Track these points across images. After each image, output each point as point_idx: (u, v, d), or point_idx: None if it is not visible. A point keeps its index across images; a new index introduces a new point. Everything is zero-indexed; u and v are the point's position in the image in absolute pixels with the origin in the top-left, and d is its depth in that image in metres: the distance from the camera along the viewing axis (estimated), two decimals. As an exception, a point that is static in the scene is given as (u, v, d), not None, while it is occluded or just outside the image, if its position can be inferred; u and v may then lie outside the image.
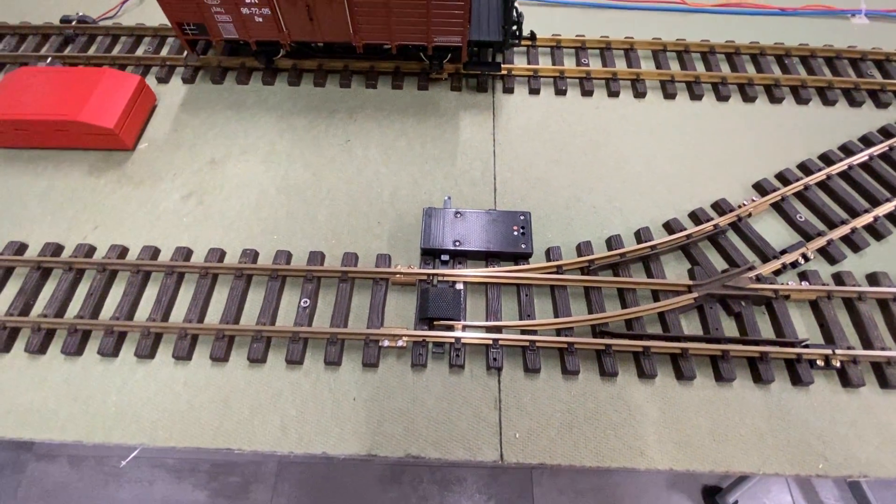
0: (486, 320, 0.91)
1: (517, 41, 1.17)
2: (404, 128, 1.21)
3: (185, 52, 1.29)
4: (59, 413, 0.84)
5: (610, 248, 1.00)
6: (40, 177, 1.13)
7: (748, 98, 1.26)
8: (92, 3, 1.47)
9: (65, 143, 1.14)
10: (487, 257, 0.98)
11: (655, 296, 0.94)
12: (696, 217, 1.04)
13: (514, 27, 1.13)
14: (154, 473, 2.44)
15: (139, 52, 1.35)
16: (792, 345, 0.86)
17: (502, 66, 1.24)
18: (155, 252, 1.00)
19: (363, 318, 0.94)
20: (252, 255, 0.99)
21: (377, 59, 1.25)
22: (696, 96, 1.26)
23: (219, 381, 0.87)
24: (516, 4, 1.10)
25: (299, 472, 2.31)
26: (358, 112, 1.24)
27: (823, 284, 0.94)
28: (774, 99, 1.26)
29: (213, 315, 0.94)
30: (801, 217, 1.04)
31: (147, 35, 1.37)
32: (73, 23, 1.38)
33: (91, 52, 1.35)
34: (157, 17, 1.43)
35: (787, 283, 0.94)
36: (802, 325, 0.93)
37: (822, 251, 1.00)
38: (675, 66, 1.32)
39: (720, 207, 1.06)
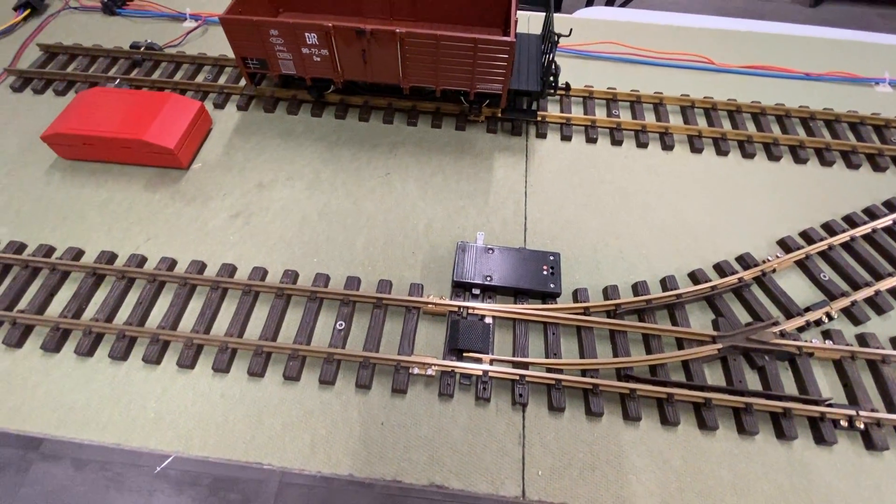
0: (514, 356, 0.94)
1: (553, 92, 1.24)
2: (441, 165, 1.28)
3: (244, 83, 1.39)
4: (101, 415, 0.88)
5: (636, 293, 1.03)
6: (101, 188, 1.21)
7: (773, 157, 1.31)
8: (160, 32, 1.60)
9: (126, 159, 1.23)
10: (516, 294, 1.02)
11: (679, 344, 0.96)
12: (720, 269, 1.07)
13: (552, 79, 1.21)
14: (154, 483, 2.44)
15: (199, 78, 1.45)
16: (815, 403, 0.87)
17: (537, 113, 1.31)
18: (202, 267, 1.06)
19: (394, 344, 0.97)
20: (293, 275, 1.04)
21: (419, 99, 1.34)
22: (722, 152, 1.31)
23: (254, 396, 0.90)
24: (554, 59, 1.17)
25: (299, 494, 2.29)
26: (398, 147, 1.31)
27: (847, 345, 0.96)
28: (799, 159, 1.30)
29: (252, 331, 0.98)
30: (824, 276, 1.06)
31: (207, 64, 1.48)
32: (142, 49, 1.50)
33: (155, 76, 1.46)
34: (216, 48, 1.56)
35: (811, 341, 0.95)
36: (826, 383, 0.94)
37: (846, 311, 1.02)
38: (702, 122, 1.38)
39: (744, 261, 1.09)
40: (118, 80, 1.40)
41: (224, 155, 1.28)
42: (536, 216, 1.17)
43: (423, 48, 1.10)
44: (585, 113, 1.37)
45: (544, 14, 1.35)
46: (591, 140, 1.32)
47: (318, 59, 1.16)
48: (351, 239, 1.13)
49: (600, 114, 1.38)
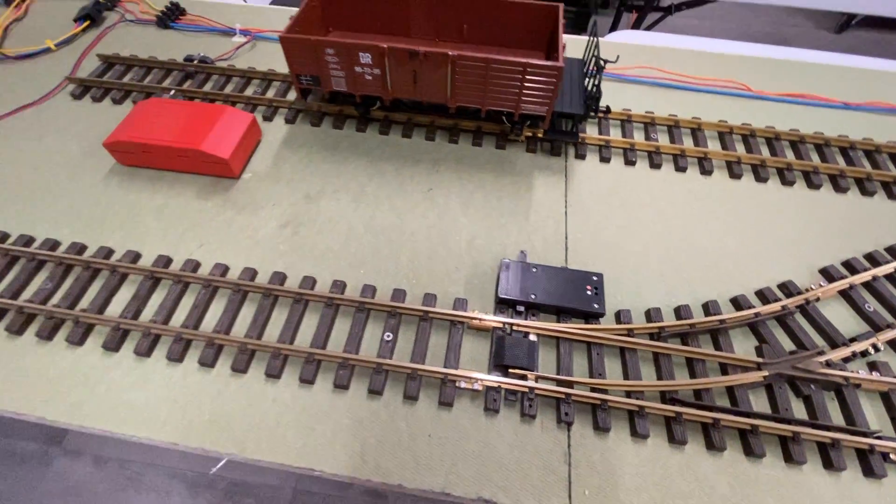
0: (558, 374, 0.96)
1: (595, 115, 1.27)
2: (482, 182, 1.30)
3: (293, 97, 1.45)
4: (159, 414, 0.91)
5: (678, 317, 1.04)
6: (157, 194, 1.26)
7: (813, 185, 1.31)
8: (210, 46, 1.67)
9: (181, 167, 1.28)
10: (559, 312, 1.03)
11: (723, 369, 0.97)
12: (762, 296, 1.08)
13: (595, 102, 1.24)
14: (171, 484, 2.46)
15: (248, 91, 1.51)
16: (864, 434, 0.87)
17: (579, 135, 1.33)
18: (253, 274, 1.09)
19: (439, 357, 0.99)
20: (341, 286, 1.07)
21: (461, 118, 1.37)
22: (761, 178, 1.32)
23: (305, 402, 0.93)
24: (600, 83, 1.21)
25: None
26: (440, 164, 1.34)
27: (894, 377, 0.95)
28: (839, 188, 1.31)
29: (302, 339, 1.01)
30: (869, 307, 1.06)
31: (256, 77, 1.54)
32: (195, 61, 1.57)
33: (207, 88, 1.52)
34: (264, 63, 1.62)
35: (857, 372, 0.95)
36: (873, 415, 0.94)
37: (893, 343, 1.01)
38: (740, 148, 1.39)
39: (787, 288, 1.09)
40: (173, 91, 1.46)
41: (273, 166, 1.33)
42: (577, 236, 1.19)
43: (473, 71, 1.14)
44: (624, 136, 1.40)
45: (586, 38, 1.38)
46: (629, 163, 1.35)
47: (370, 77, 1.21)
48: (396, 252, 1.16)
49: (638, 137, 1.40)
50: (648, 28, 3.88)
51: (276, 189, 1.28)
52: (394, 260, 1.15)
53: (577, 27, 3.65)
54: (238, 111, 1.31)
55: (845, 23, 4.89)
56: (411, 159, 1.36)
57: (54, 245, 1.14)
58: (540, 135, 1.35)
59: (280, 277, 1.09)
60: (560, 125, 1.35)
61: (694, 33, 4.07)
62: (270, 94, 1.50)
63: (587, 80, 1.32)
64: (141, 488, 2.46)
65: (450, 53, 1.11)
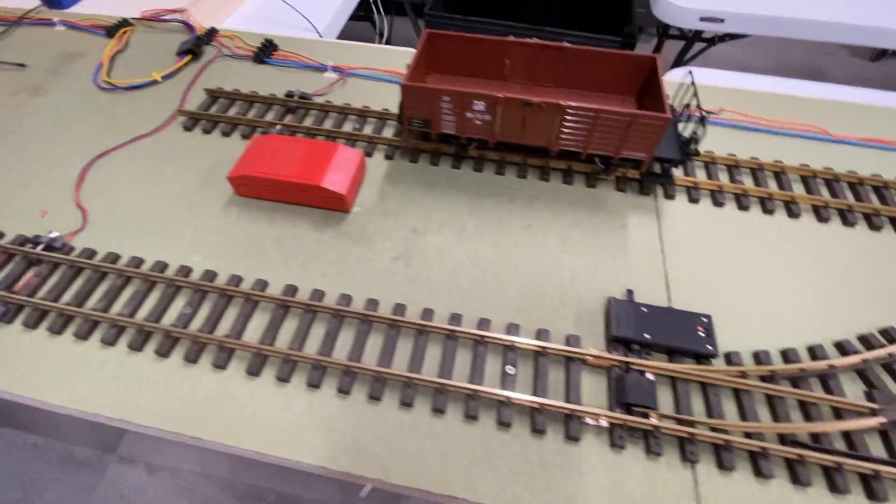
0: (677, 413, 1.00)
1: (691, 159, 1.33)
2: (577, 220, 1.37)
3: (395, 134, 1.54)
4: (305, 437, 0.98)
5: (787, 360, 1.08)
6: (274, 225, 1.34)
7: (900, 230, 1.36)
8: (303, 81, 1.77)
9: (296, 200, 1.36)
10: (671, 352, 1.09)
11: (836, 412, 1.01)
12: (867, 341, 1.12)
13: (692, 148, 1.30)
14: (222, 495, 2.53)
15: (347, 127, 1.61)
16: None
17: (673, 178, 1.39)
18: (374, 304, 1.17)
19: (557, 392, 1.05)
20: (459, 319, 1.14)
21: (551, 157, 1.45)
22: (848, 223, 1.37)
23: (439, 431, 0.99)
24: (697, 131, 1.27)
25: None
26: (535, 201, 1.41)
27: None
28: (927, 234, 1.35)
29: (427, 369, 1.07)
30: (973, 355, 1.09)
31: (353, 114, 1.64)
32: (296, 97, 1.67)
33: (308, 123, 1.62)
34: (356, 99, 1.71)
35: (971, 420, 0.98)
36: None
37: None
38: (825, 193, 1.44)
39: (889, 335, 1.13)
40: (279, 126, 1.56)
41: (378, 200, 1.41)
42: (676, 276, 1.25)
43: (583, 119, 1.21)
44: (709, 177, 1.46)
45: (680, 83, 1.45)
46: (717, 204, 1.40)
47: (480, 122, 1.29)
48: (503, 286, 1.22)
49: (723, 179, 1.46)
50: (693, 58, 3.94)
51: (383, 223, 1.36)
52: (502, 294, 1.21)
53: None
54: (349, 148, 1.40)
55: (881, 52, 4.92)
56: (507, 196, 1.43)
57: (188, 272, 1.23)
58: (634, 176, 1.41)
59: (401, 309, 1.16)
60: (652, 167, 1.41)
61: (731, 61, 4.11)
62: (367, 130, 1.60)
63: (681, 125, 1.38)
64: (193, 498, 2.52)
65: (562, 104, 1.18)
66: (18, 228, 1.32)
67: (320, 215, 1.37)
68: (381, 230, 1.34)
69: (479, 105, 1.24)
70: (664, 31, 4.66)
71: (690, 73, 1.34)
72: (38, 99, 1.71)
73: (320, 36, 2.34)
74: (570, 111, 1.19)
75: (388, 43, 3.20)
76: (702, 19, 2.79)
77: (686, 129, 1.35)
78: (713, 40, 3.63)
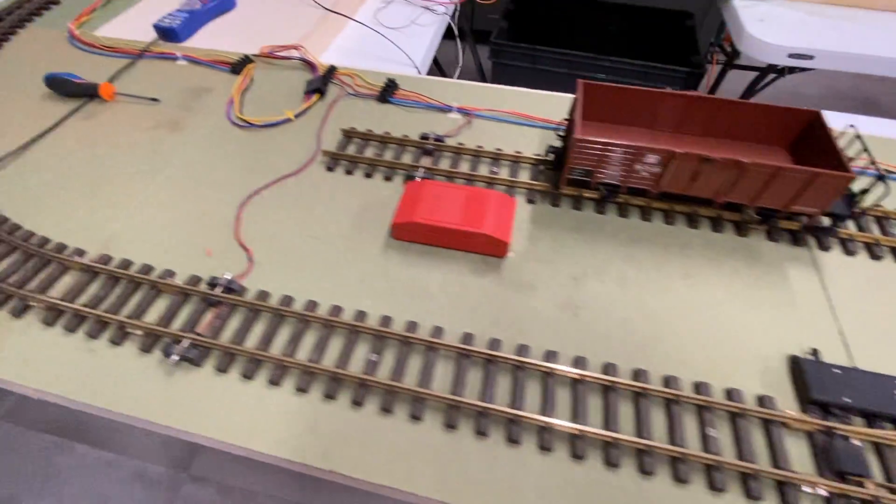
0: (888, 482, 0.99)
1: (858, 215, 1.33)
2: (735, 270, 1.37)
3: (524, 176, 1.56)
4: (415, 469, 0.99)
5: None
6: (434, 270, 1.36)
7: None
8: (429, 122, 1.81)
9: (455, 245, 1.39)
10: (869, 416, 1.07)
11: None
12: None
13: (857, 202, 1.30)
14: (292, 522, 2.51)
15: (482, 170, 1.63)
16: None
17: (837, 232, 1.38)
18: (554, 356, 1.17)
19: (760, 456, 1.04)
20: (645, 375, 1.14)
21: (699, 205, 1.45)
22: None
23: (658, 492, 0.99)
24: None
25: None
26: (688, 249, 1.42)
27: None
28: None
29: (623, 430, 1.07)
30: None
31: (487, 157, 1.67)
32: (431, 139, 1.71)
33: (443, 166, 1.65)
34: (486, 141, 1.72)
35: None
36: None
37: None
38: (983, 247, 1.42)
39: None
40: (421, 170, 1.59)
41: (529, 245, 1.43)
42: (851, 333, 1.23)
43: (760, 175, 1.22)
44: (860, 229, 1.45)
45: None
46: (875, 257, 1.39)
47: (646, 174, 1.31)
48: (677, 340, 1.22)
49: (875, 231, 1.45)
50: (761, 89, 3.93)
51: (540, 269, 1.37)
52: (678, 348, 1.21)
53: (687, 86, 3.74)
54: (502, 194, 1.42)
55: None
56: (657, 243, 1.44)
57: (360, 315, 1.25)
58: (787, 226, 1.41)
59: (582, 362, 1.16)
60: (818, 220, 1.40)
61: (783, 88, 4.07)
62: (503, 174, 1.62)
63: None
64: (266, 521, 2.52)
65: (744, 161, 1.20)
66: (186, 267, 1.36)
67: (477, 260, 1.39)
68: (540, 277, 1.35)
69: (652, 159, 1.26)
70: (728, 62, 4.67)
71: (853, 126, 1.35)
72: (177, 134, 1.77)
73: (419, 72, 2.40)
74: (751, 168, 1.20)
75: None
76: (790, 55, 2.80)
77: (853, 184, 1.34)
78: (783, 71, 3.65)
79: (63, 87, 1.88)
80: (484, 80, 3.92)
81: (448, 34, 2.92)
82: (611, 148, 1.26)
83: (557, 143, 1.57)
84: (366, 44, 2.40)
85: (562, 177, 1.40)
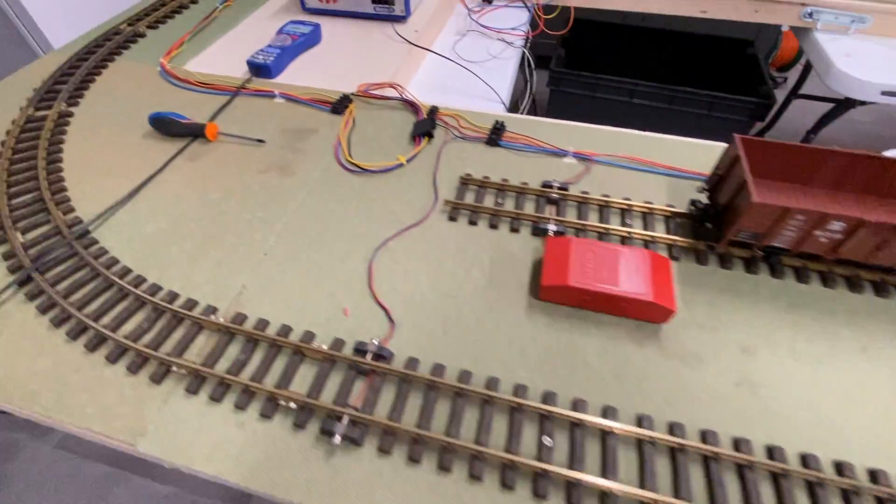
0: None
1: None
2: (915, 343, 1.27)
3: (718, 243, 1.44)
4: None
5: None
6: (589, 336, 1.28)
7: None
8: (543, 168, 1.74)
9: (610, 310, 1.30)
10: None
11: None
12: None
13: None
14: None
15: (612, 222, 1.55)
16: None
17: None
18: (748, 444, 1.07)
19: None
20: (850, 469, 1.03)
21: (861, 267, 1.35)
22: None
23: None
24: None
25: None
26: (855, 316, 1.30)
27: None
28: None
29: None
30: None
31: (617, 208, 1.59)
32: (555, 187, 1.64)
33: (570, 217, 1.57)
34: (610, 190, 1.64)
35: None
36: None
37: None
38: None
39: None
40: (553, 224, 1.51)
41: (684, 309, 1.33)
42: None
43: (964, 246, 1.13)
44: None
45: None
46: None
47: (825, 240, 1.22)
48: (873, 427, 1.12)
49: None
50: (830, 121, 3.85)
51: (702, 337, 1.28)
52: (875, 437, 1.11)
53: (755, 117, 3.66)
54: (655, 254, 1.33)
55: None
56: (822, 310, 1.33)
57: (521, 390, 1.16)
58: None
59: (780, 453, 1.06)
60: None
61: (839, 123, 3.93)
62: (636, 226, 1.54)
63: None
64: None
65: (951, 232, 1.10)
66: (325, 327, 1.29)
67: (632, 326, 1.30)
68: (704, 346, 1.26)
69: (836, 226, 1.17)
70: (793, 91, 4.58)
71: None
72: (289, 178, 1.72)
73: (506, 108, 2.35)
74: (954, 239, 1.11)
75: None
76: (883, 93, 2.71)
77: None
78: (854, 103, 3.55)
79: (168, 127, 1.85)
80: (534, 105, 3.88)
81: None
82: (791, 213, 1.17)
83: (699, 195, 1.49)
84: (446, 78, 2.36)
85: (723, 238, 1.31)
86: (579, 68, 3.56)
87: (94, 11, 3.80)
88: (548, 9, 3.04)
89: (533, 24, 2.95)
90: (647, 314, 1.26)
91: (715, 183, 1.42)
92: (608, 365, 1.22)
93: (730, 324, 1.30)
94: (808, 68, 4.15)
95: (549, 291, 1.30)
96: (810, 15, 2.91)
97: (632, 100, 3.58)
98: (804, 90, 4.27)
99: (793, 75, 4.71)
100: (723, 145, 1.77)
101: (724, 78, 3.88)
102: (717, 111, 3.46)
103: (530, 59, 2.70)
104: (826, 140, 4.73)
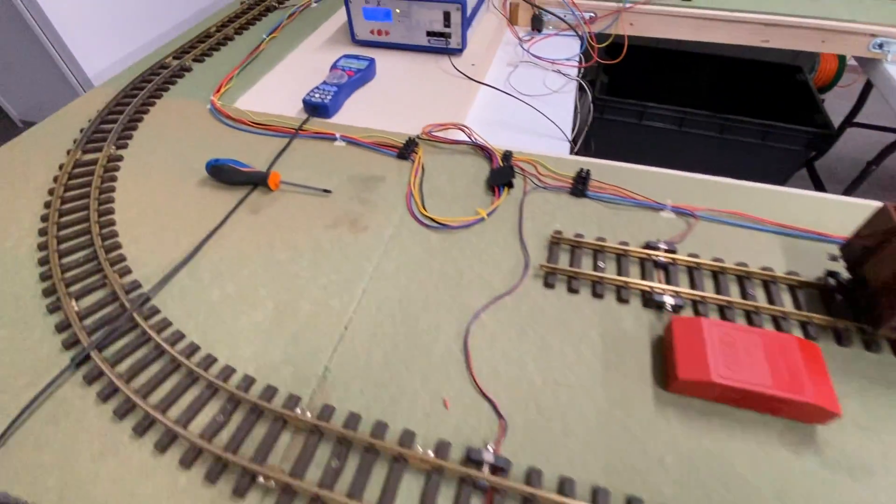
0: None
1: None
2: None
3: (874, 328, 1.25)
4: None
5: None
6: (733, 440, 1.09)
7: None
8: (636, 223, 1.58)
9: (756, 408, 1.12)
10: None
11: None
12: None
13: None
14: None
15: (733, 294, 1.38)
16: None
17: None
18: None
19: None
20: None
21: None
22: None
23: None
24: None
25: None
26: None
27: None
28: None
29: None
30: None
31: (733, 274, 1.41)
32: (661, 248, 1.47)
33: (682, 285, 1.40)
34: (720, 252, 1.46)
35: None
36: None
37: None
38: None
39: None
40: (670, 297, 1.34)
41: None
42: None
43: None
44: None
45: None
46: None
47: None
48: None
49: None
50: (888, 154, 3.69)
51: (865, 442, 1.08)
52: None
53: (812, 147, 3.49)
54: (803, 340, 1.16)
55: None
56: None
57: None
58: None
59: None
60: None
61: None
62: (760, 298, 1.37)
63: None
64: None
65: None
66: (424, 424, 1.12)
67: (782, 426, 1.12)
68: (872, 455, 1.07)
69: None
70: (848, 120, 4.43)
71: None
72: (361, 235, 1.57)
73: (573, 147, 2.20)
74: None
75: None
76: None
77: None
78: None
79: (228, 175, 1.71)
80: (588, 142, 3.75)
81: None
82: None
83: (832, 264, 1.32)
84: (501, 113, 2.22)
85: (883, 324, 1.13)
86: (622, 94, 3.43)
87: (131, 40, 3.74)
88: (601, 37, 2.91)
89: (586, 53, 2.83)
90: (804, 415, 1.08)
91: (859, 255, 1.25)
92: (765, 479, 1.04)
93: (891, 421, 1.12)
94: (863, 96, 3.99)
95: (685, 385, 1.13)
96: (880, 46, 2.75)
97: (681, 128, 3.44)
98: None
99: (830, 98, 4.52)
100: (835, 197, 1.61)
101: (772, 105, 3.72)
102: (771, 140, 3.30)
103: (588, 90, 2.56)
104: (891, 170, 4.52)
